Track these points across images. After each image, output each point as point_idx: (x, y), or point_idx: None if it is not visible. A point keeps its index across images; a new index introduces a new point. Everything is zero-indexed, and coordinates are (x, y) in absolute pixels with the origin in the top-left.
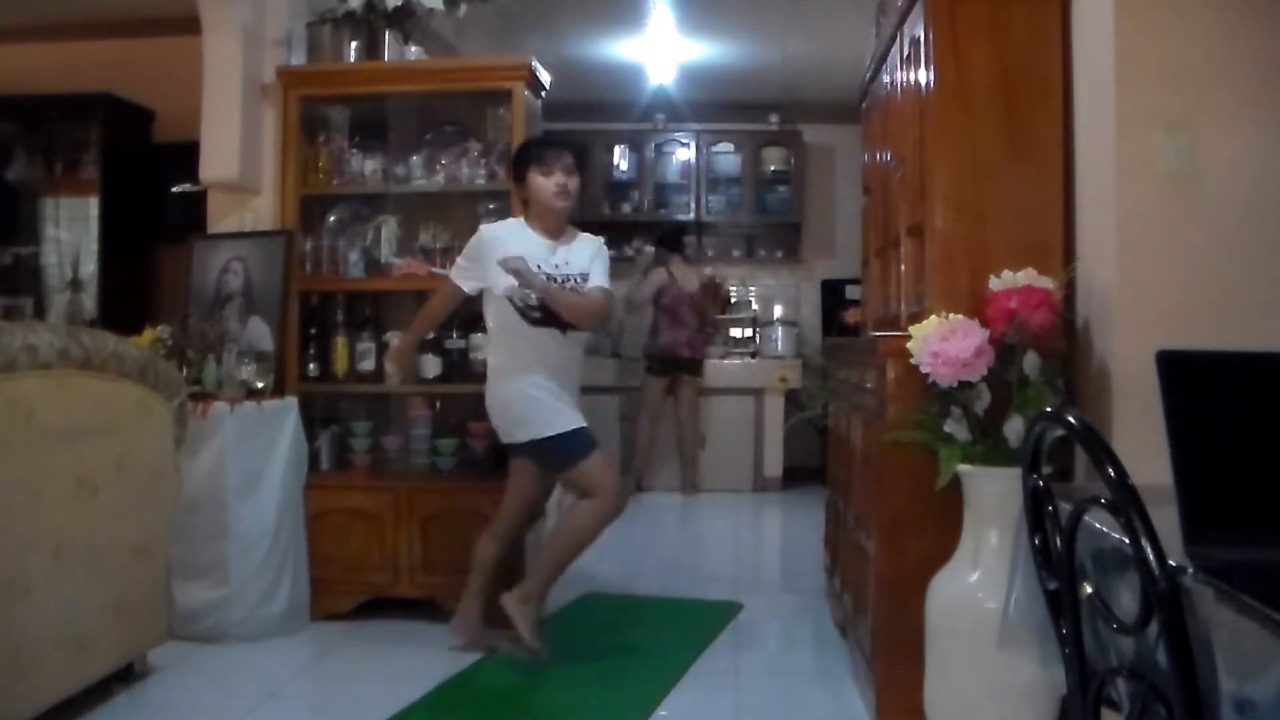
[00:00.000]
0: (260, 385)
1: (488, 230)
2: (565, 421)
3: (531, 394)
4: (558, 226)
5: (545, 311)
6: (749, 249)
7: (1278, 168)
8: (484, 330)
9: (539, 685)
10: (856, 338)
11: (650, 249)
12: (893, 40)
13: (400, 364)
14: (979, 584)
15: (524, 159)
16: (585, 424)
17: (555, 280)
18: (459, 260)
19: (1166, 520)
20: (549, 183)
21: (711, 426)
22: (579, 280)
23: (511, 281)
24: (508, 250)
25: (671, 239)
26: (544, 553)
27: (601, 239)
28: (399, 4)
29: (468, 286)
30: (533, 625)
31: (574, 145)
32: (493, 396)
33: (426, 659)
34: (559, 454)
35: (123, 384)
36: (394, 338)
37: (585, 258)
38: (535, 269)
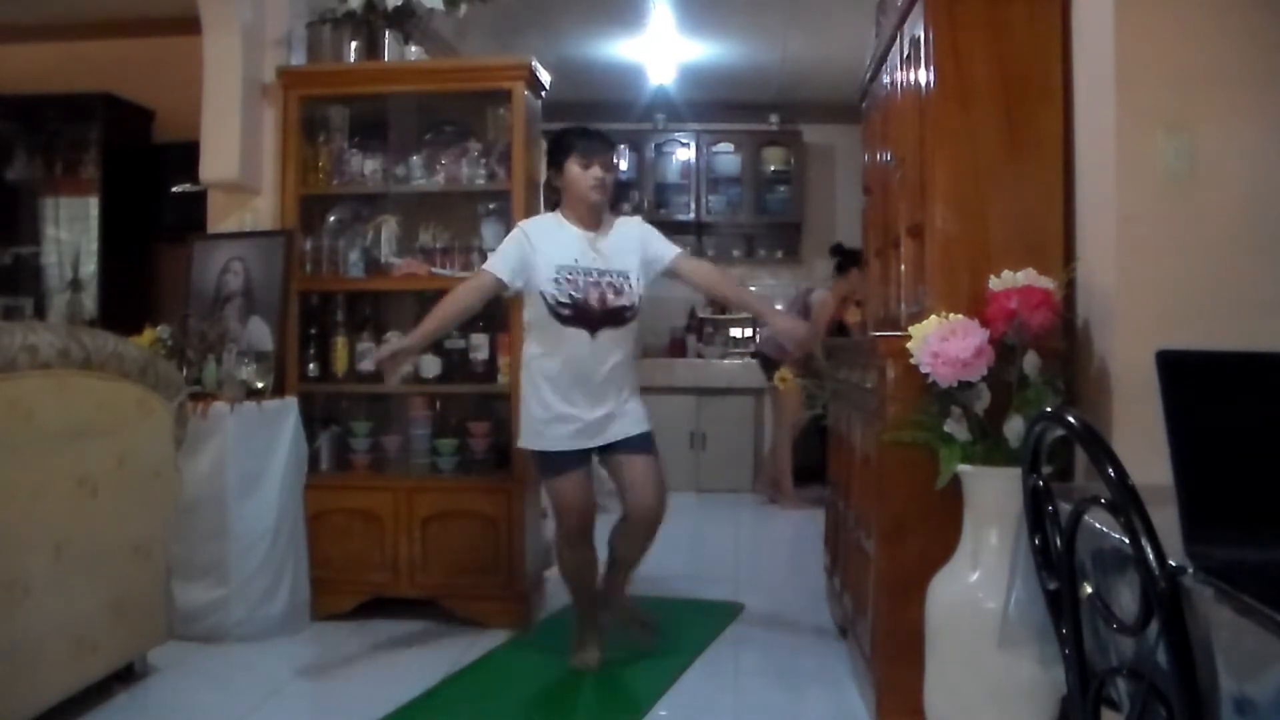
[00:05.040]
0: (260, 385)
1: (525, 224)
2: (539, 440)
3: (527, 402)
4: (594, 218)
5: (576, 309)
6: (749, 249)
7: (1278, 168)
8: (484, 331)
9: (539, 684)
10: (856, 337)
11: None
12: (893, 40)
13: (393, 367)
14: (979, 584)
15: (565, 147)
16: (566, 448)
17: (593, 275)
18: (493, 258)
19: (1166, 520)
20: (586, 175)
21: (711, 426)
22: (619, 278)
23: (549, 276)
24: (545, 243)
25: (842, 256)
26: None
27: (638, 218)
28: (399, 4)
29: (507, 275)
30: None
31: (613, 142)
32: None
33: (426, 659)
34: (538, 468)
35: (123, 384)
36: (394, 337)
37: (628, 249)
38: (574, 263)
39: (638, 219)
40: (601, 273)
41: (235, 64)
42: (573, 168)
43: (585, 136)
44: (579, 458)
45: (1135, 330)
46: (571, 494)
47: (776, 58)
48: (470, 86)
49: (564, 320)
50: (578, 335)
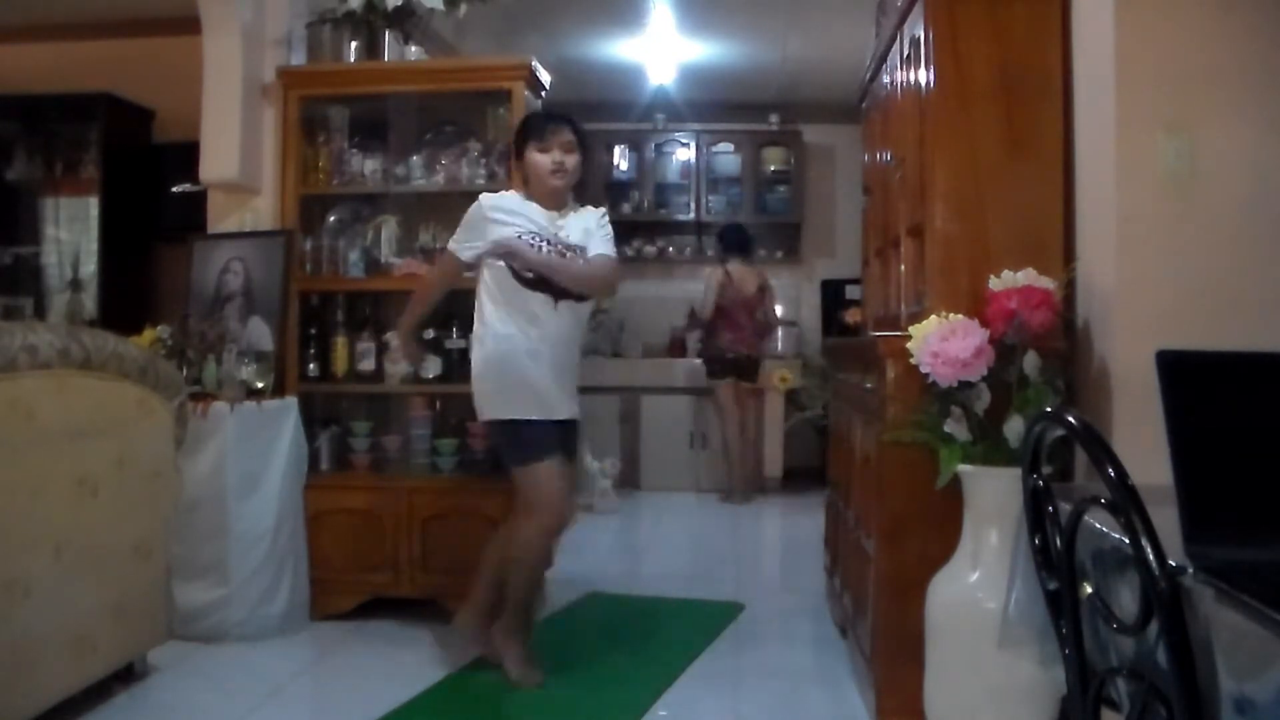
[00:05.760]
0: (260, 385)
1: (486, 199)
2: (509, 409)
3: (483, 376)
4: (556, 202)
5: (540, 275)
6: None
7: (1278, 168)
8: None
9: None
10: (856, 338)
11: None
12: (893, 40)
13: (407, 353)
14: (979, 584)
15: (524, 133)
16: (540, 417)
17: (558, 246)
18: (456, 234)
19: (1166, 520)
20: (545, 160)
21: (712, 427)
22: (580, 254)
23: (511, 238)
24: (507, 214)
25: (733, 238)
26: (505, 586)
27: (603, 209)
28: (399, 4)
29: (468, 255)
30: (519, 657)
31: (573, 119)
32: (473, 371)
33: (426, 659)
34: (503, 447)
35: (123, 384)
36: (394, 338)
37: (584, 229)
38: (541, 228)
39: (601, 210)
40: (567, 245)
41: (235, 64)
42: (532, 154)
43: (543, 120)
44: (555, 440)
45: (1135, 330)
46: (552, 484)
47: (776, 58)
48: (470, 86)
49: (527, 284)
50: (543, 300)
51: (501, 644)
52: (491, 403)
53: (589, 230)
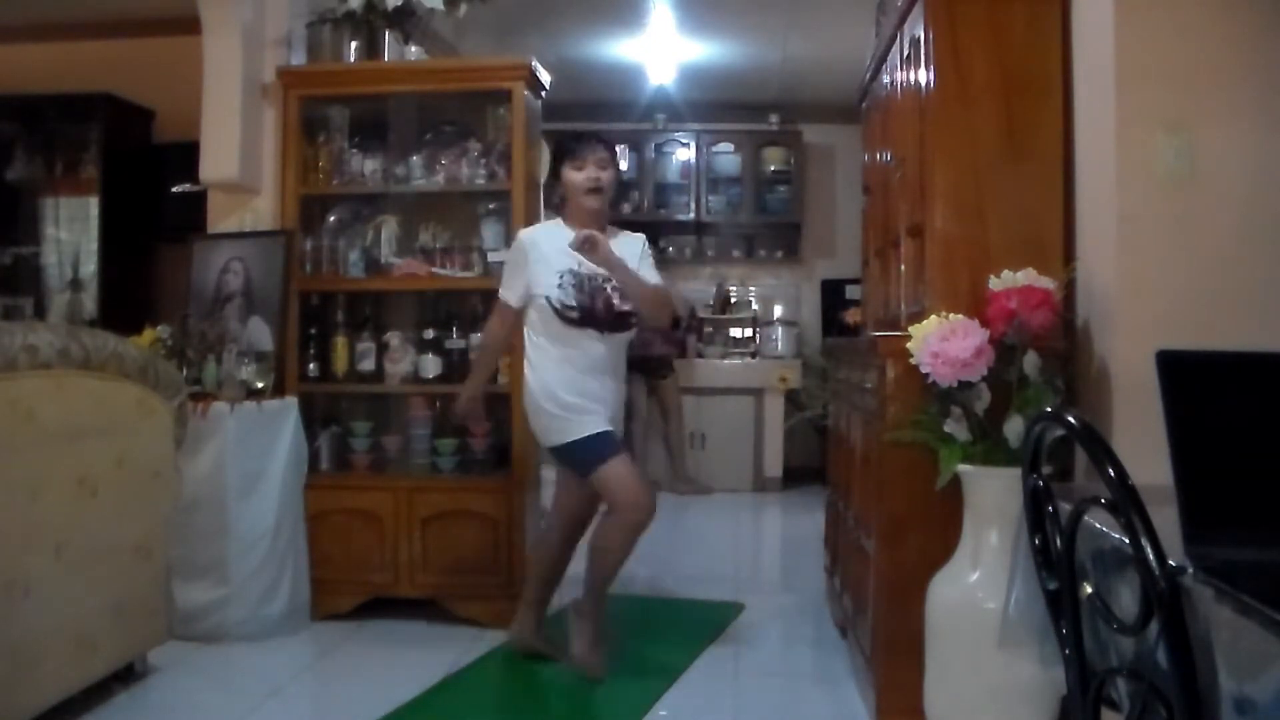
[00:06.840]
0: (260, 385)
1: (524, 234)
2: (580, 428)
3: (545, 406)
4: (594, 223)
5: (583, 311)
6: (749, 249)
7: (1278, 168)
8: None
9: (538, 684)
10: (856, 338)
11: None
12: (893, 40)
13: (472, 415)
14: (979, 584)
15: (559, 154)
16: (608, 428)
17: (597, 280)
18: (503, 277)
19: (1166, 520)
20: (580, 177)
21: (711, 426)
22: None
23: (553, 282)
24: (544, 251)
25: None
26: (587, 571)
27: (643, 236)
28: (399, 4)
29: (515, 300)
30: (587, 640)
31: (605, 137)
32: (525, 400)
33: (426, 659)
34: (578, 461)
35: (123, 384)
36: (394, 337)
37: (626, 257)
38: (578, 266)
39: (642, 237)
40: (606, 278)
41: (235, 64)
42: (568, 172)
43: (577, 139)
44: (618, 443)
45: (1135, 330)
46: (637, 477)
47: (776, 58)
48: (470, 86)
49: (571, 322)
50: (588, 334)
51: (575, 624)
52: (562, 430)
53: (632, 258)
